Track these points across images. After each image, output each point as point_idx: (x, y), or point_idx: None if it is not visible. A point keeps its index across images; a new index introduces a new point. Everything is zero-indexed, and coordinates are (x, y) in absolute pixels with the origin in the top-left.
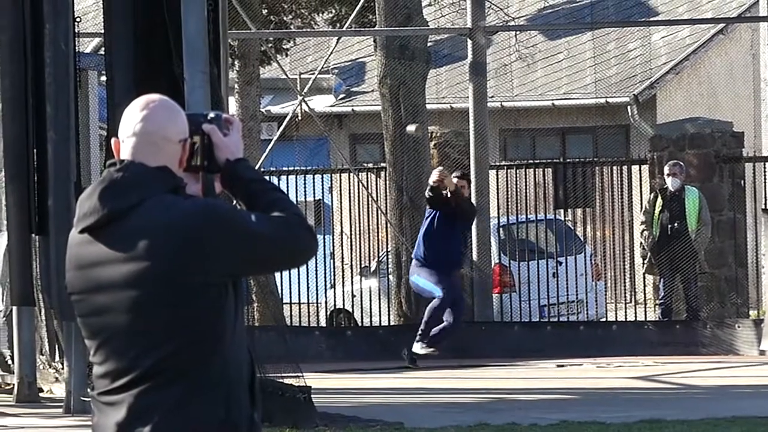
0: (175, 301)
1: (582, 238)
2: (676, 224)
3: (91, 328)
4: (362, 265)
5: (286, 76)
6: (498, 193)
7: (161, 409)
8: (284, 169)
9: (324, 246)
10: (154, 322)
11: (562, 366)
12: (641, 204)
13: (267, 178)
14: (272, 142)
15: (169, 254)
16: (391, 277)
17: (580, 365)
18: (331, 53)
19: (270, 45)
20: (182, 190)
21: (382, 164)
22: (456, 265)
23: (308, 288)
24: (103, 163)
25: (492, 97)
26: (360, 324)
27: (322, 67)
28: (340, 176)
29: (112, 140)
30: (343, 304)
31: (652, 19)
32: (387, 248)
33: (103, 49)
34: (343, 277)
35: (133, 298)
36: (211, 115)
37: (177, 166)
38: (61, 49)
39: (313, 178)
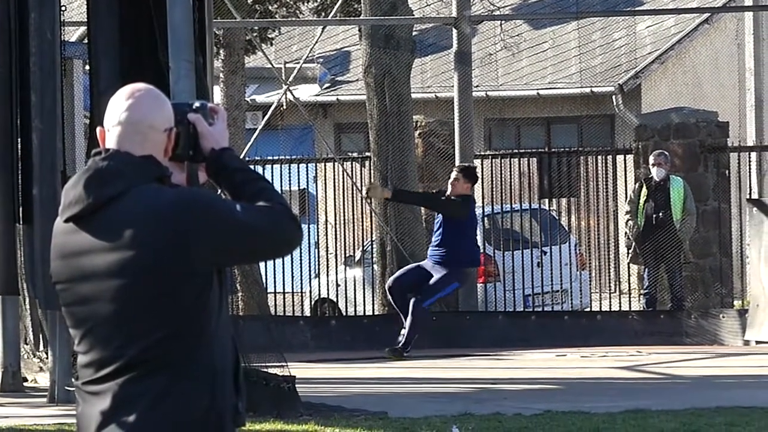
0: (159, 290)
1: (566, 228)
2: (660, 214)
3: (76, 318)
4: (347, 255)
5: (271, 65)
6: (483, 182)
7: (146, 399)
8: (269, 158)
9: (308, 235)
10: (138, 312)
11: (563, 355)
12: (626, 194)
13: (252, 167)
14: (257, 132)
15: (153, 243)
16: (375, 266)
17: (564, 355)
18: (316, 42)
19: (255, 34)
20: (167, 179)
21: (367, 153)
22: (436, 261)
23: (293, 277)
24: (86, 152)
25: (477, 86)
26: (344, 313)
27: (307, 57)
28: (325, 165)
29: (98, 129)
30: (328, 294)
31: (637, 8)
32: (372, 238)
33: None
34: (327, 267)
35: (118, 288)
36: (197, 104)
37: (162, 156)
38: (46, 38)
39: (298, 168)
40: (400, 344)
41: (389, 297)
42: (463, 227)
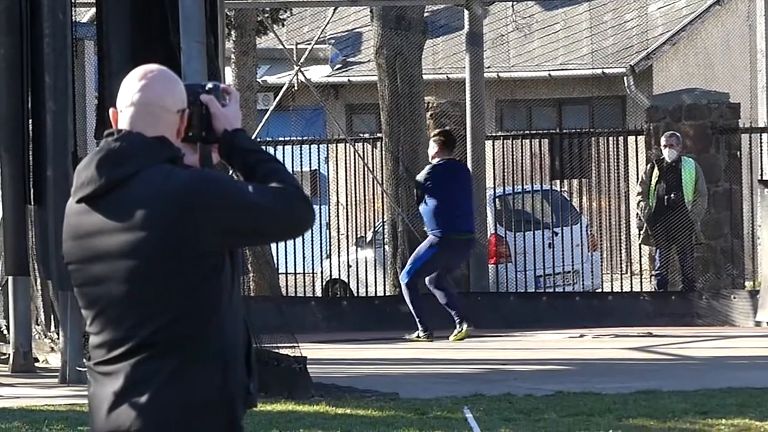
0: (171, 270)
1: (578, 209)
2: (672, 195)
3: (88, 298)
4: (358, 236)
5: (283, 46)
6: (494, 163)
7: (158, 379)
8: (280, 139)
9: (320, 216)
10: (150, 292)
11: (583, 336)
12: (637, 175)
13: (264, 148)
14: (268, 113)
15: (165, 224)
16: (386, 247)
17: (582, 336)
18: (328, 23)
19: (266, 15)
20: (180, 160)
21: (379, 134)
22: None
23: (304, 258)
24: (94, 133)
25: (488, 67)
26: (356, 294)
27: (319, 38)
28: (336, 146)
29: (110, 110)
30: (339, 275)
31: None
32: (383, 218)
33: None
34: (339, 248)
35: (130, 268)
36: (209, 85)
37: (175, 137)
38: (59, 19)
39: (309, 149)
40: (418, 330)
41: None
42: (432, 193)
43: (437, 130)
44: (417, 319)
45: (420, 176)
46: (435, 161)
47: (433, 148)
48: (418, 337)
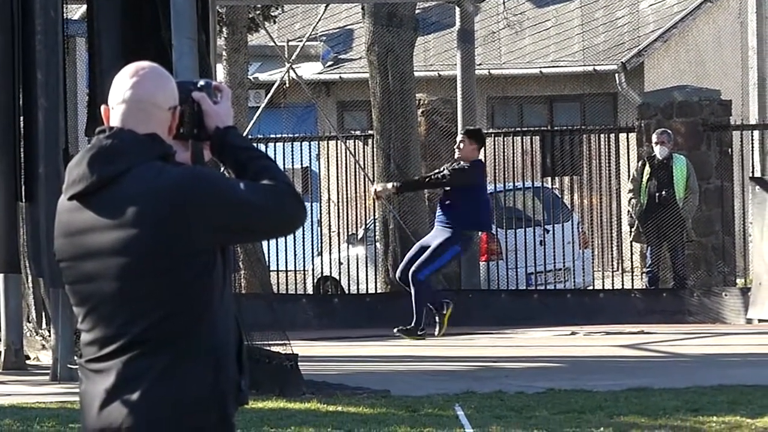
0: (163, 268)
1: (569, 206)
2: (663, 192)
3: (80, 296)
4: (349, 233)
5: (274, 43)
6: (485, 160)
7: (149, 376)
8: (272, 136)
9: (311, 213)
10: (142, 289)
11: (575, 333)
12: (629, 172)
13: (255, 145)
14: (260, 110)
15: (157, 221)
16: (378, 244)
17: (576, 334)
18: (319, 20)
19: (258, 12)
20: (172, 157)
21: (370, 132)
22: (440, 224)
23: (295, 255)
24: (85, 130)
25: (480, 64)
26: (347, 292)
27: (310, 35)
28: (328, 144)
29: (102, 107)
30: (330, 272)
31: None
32: (374, 216)
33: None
34: (330, 245)
35: (122, 265)
36: (201, 83)
37: (166, 134)
38: (50, 16)
39: (301, 146)
40: (413, 323)
41: (404, 286)
42: (467, 190)
43: (472, 128)
44: (418, 315)
45: (468, 176)
46: (473, 158)
47: (469, 145)
48: (407, 330)
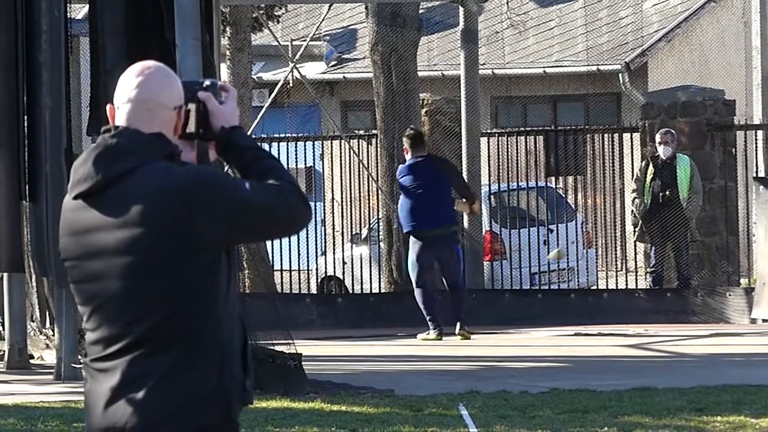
0: (168, 267)
1: (573, 206)
2: (667, 192)
3: (85, 295)
4: (353, 233)
5: (278, 42)
6: (489, 160)
7: (154, 376)
8: (275, 136)
9: (315, 213)
10: (147, 289)
11: (580, 334)
12: (632, 172)
13: (260, 145)
14: (263, 109)
15: (162, 221)
16: (381, 244)
17: (585, 334)
18: (323, 20)
19: (261, 11)
20: (177, 157)
21: (374, 131)
22: None
23: (299, 255)
24: (87, 130)
25: (483, 64)
26: (351, 291)
27: (314, 34)
28: (332, 143)
29: (108, 107)
30: (334, 272)
31: None
32: (378, 215)
33: None
34: (333, 244)
35: (127, 264)
36: (207, 82)
37: (172, 133)
38: (54, 15)
39: (305, 145)
40: (460, 322)
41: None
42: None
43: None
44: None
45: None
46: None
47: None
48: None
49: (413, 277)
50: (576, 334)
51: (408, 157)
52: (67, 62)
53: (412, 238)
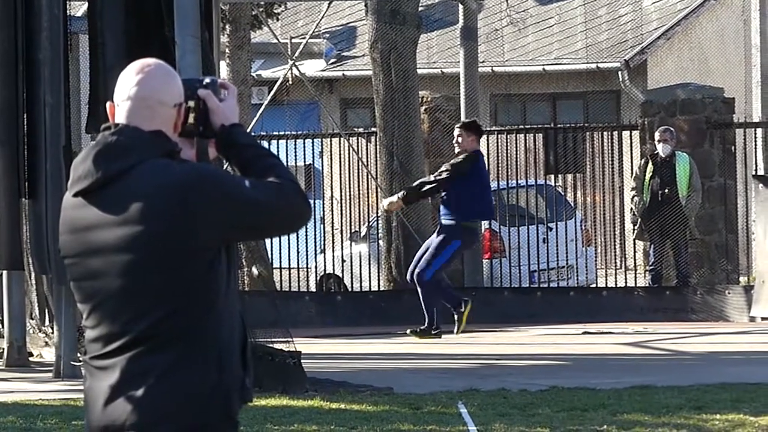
0: (167, 264)
1: (572, 204)
2: (666, 190)
3: (85, 292)
4: (352, 230)
5: (277, 40)
6: (488, 158)
7: (154, 373)
8: (275, 133)
9: (314, 211)
10: (146, 286)
11: (588, 332)
12: (632, 170)
13: (260, 143)
14: (263, 107)
15: (162, 218)
16: (381, 242)
17: (590, 332)
18: (322, 17)
19: (261, 9)
20: (177, 154)
21: (373, 129)
22: (442, 219)
23: (298, 253)
24: (86, 127)
25: (483, 62)
26: (350, 289)
27: (313, 32)
28: (331, 141)
29: (107, 104)
30: (333, 269)
31: None
32: (377, 213)
33: None
34: (333, 242)
35: (126, 262)
36: (207, 80)
37: (172, 131)
38: (54, 13)
39: (304, 143)
40: (425, 324)
41: (416, 287)
42: (464, 182)
43: (466, 120)
44: (429, 315)
45: (463, 166)
46: (472, 149)
47: (467, 137)
48: (421, 331)
49: (434, 266)
50: (585, 333)
51: (473, 146)
52: (67, 60)
53: (463, 226)
